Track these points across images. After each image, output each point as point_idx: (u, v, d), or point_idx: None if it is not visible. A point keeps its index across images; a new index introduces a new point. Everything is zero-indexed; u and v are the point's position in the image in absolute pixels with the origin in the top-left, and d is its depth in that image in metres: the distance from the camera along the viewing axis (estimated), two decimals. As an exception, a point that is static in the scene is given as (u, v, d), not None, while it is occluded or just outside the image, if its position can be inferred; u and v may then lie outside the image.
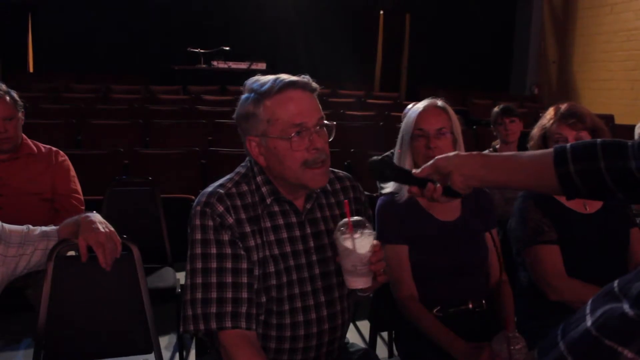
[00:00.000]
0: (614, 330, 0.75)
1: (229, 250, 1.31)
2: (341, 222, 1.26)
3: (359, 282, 1.26)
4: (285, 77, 1.34)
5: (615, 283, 0.81)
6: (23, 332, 2.92)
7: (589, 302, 0.83)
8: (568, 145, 1.07)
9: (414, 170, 1.20)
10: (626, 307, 0.75)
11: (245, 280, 1.31)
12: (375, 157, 1.26)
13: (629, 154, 1.00)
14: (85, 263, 1.64)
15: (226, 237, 1.31)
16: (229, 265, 1.30)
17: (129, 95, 7.22)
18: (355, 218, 1.26)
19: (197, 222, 1.32)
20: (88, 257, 1.63)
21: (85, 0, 9.16)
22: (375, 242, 1.25)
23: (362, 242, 1.23)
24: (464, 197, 1.78)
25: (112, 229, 1.68)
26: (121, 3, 9.29)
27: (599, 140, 1.05)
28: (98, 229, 1.63)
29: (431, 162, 1.18)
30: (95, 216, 1.69)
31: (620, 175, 1.00)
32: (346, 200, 1.33)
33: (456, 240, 1.75)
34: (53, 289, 1.65)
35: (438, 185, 1.17)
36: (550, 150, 1.09)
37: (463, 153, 1.17)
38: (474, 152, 1.17)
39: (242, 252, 1.32)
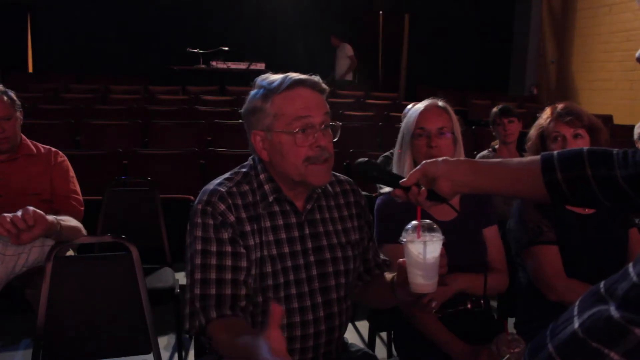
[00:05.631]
0: (600, 332, 0.75)
1: (229, 249, 1.32)
2: (410, 226, 1.22)
3: (426, 287, 1.22)
4: (295, 75, 1.36)
5: (602, 284, 0.81)
6: (22, 332, 2.92)
7: (577, 303, 0.83)
8: (555, 152, 1.08)
9: (401, 181, 1.18)
10: (612, 309, 0.75)
11: (243, 278, 1.31)
12: (361, 159, 1.27)
13: (614, 163, 1.01)
14: (85, 263, 1.64)
15: (227, 235, 1.32)
16: (228, 262, 1.31)
17: (128, 95, 7.21)
18: (425, 221, 1.22)
19: (199, 220, 1.33)
20: (87, 258, 1.63)
21: (84, 0, 9.16)
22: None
23: (432, 247, 1.20)
24: (465, 195, 1.80)
25: (32, 209, 1.67)
26: (121, 3, 9.28)
27: (585, 148, 1.06)
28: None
29: (418, 167, 1.17)
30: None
31: (606, 183, 1.01)
32: (419, 206, 1.26)
33: (455, 240, 1.74)
34: (52, 289, 1.65)
35: (422, 188, 1.16)
36: (538, 157, 1.09)
37: (451, 159, 1.17)
38: (462, 158, 1.18)
39: (242, 250, 1.33)
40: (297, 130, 1.31)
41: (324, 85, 1.38)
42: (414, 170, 1.18)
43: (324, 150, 1.34)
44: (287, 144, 1.33)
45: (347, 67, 9.27)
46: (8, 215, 1.61)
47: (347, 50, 9.26)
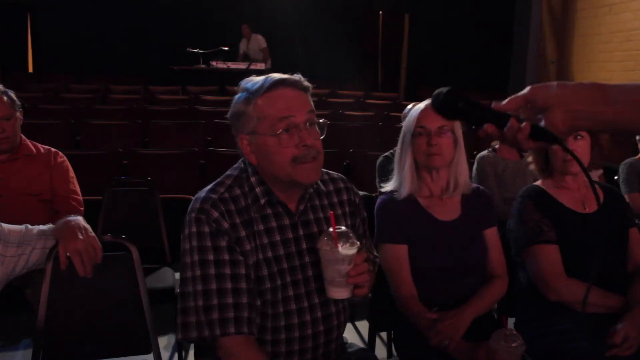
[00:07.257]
0: None
1: (226, 257, 1.31)
2: (325, 232, 1.28)
3: (335, 293, 1.28)
4: (275, 75, 1.35)
5: None
6: (22, 332, 2.92)
7: None
8: None
9: (494, 103, 0.88)
10: None
11: (244, 285, 1.31)
12: (442, 89, 0.93)
13: None
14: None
15: (223, 243, 1.31)
16: (227, 271, 1.30)
17: (128, 95, 7.22)
18: (340, 229, 1.26)
19: (193, 229, 1.32)
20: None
21: (84, 0, 9.16)
22: (358, 254, 1.26)
23: (342, 255, 1.24)
24: (465, 195, 1.80)
25: (93, 234, 1.66)
26: (121, 3, 9.29)
27: None
28: (77, 236, 1.62)
29: (524, 91, 0.86)
30: (77, 221, 1.68)
31: None
32: (331, 212, 1.34)
33: (455, 240, 1.75)
34: (52, 289, 1.65)
35: (525, 123, 0.85)
36: None
37: (570, 82, 0.85)
38: (587, 82, 0.85)
39: (240, 258, 1.32)
40: (280, 131, 1.30)
41: (306, 83, 1.36)
42: (515, 95, 0.87)
43: (310, 149, 1.32)
44: (272, 146, 1.31)
45: (261, 59, 9.00)
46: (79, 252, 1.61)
47: (261, 42, 8.97)
